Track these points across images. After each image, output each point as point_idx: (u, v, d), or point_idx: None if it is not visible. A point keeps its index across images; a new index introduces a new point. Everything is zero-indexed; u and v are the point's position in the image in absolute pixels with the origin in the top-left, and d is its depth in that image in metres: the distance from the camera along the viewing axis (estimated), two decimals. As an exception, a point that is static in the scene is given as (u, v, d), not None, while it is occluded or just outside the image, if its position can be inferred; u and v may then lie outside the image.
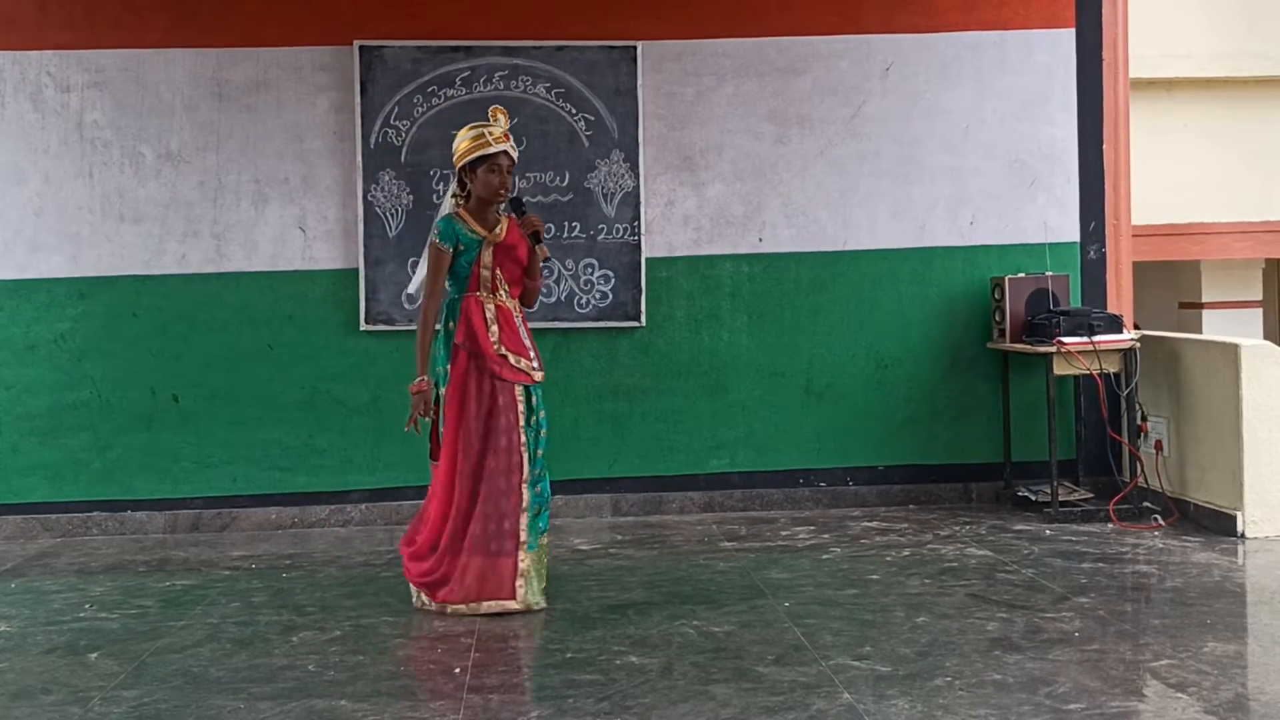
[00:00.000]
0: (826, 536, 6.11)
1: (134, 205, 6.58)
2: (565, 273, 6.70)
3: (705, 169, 6.81)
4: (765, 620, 4.64)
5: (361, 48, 6.61)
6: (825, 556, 5.69)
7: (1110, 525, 6.17)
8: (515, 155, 4.99)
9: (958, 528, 6.23)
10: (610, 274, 6.71)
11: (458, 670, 4.12)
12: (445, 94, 6.65)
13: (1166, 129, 11.04)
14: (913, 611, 4.69)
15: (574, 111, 6.68)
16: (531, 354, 4.94)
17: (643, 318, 6.74)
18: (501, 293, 4.94)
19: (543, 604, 4.83)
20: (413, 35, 6.65)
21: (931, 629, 4.46)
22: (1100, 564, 5.42)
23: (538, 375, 4.94)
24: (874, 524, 6.38)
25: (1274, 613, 4.84)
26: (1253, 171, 11.33)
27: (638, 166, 6.71)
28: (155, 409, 6.59)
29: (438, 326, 4.95)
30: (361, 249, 6.60)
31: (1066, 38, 6.92)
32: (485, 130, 4.92)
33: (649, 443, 6.79)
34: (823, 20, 6.84)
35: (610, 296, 6.71)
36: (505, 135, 4.94)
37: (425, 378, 4.90)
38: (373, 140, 6.61)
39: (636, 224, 6.72)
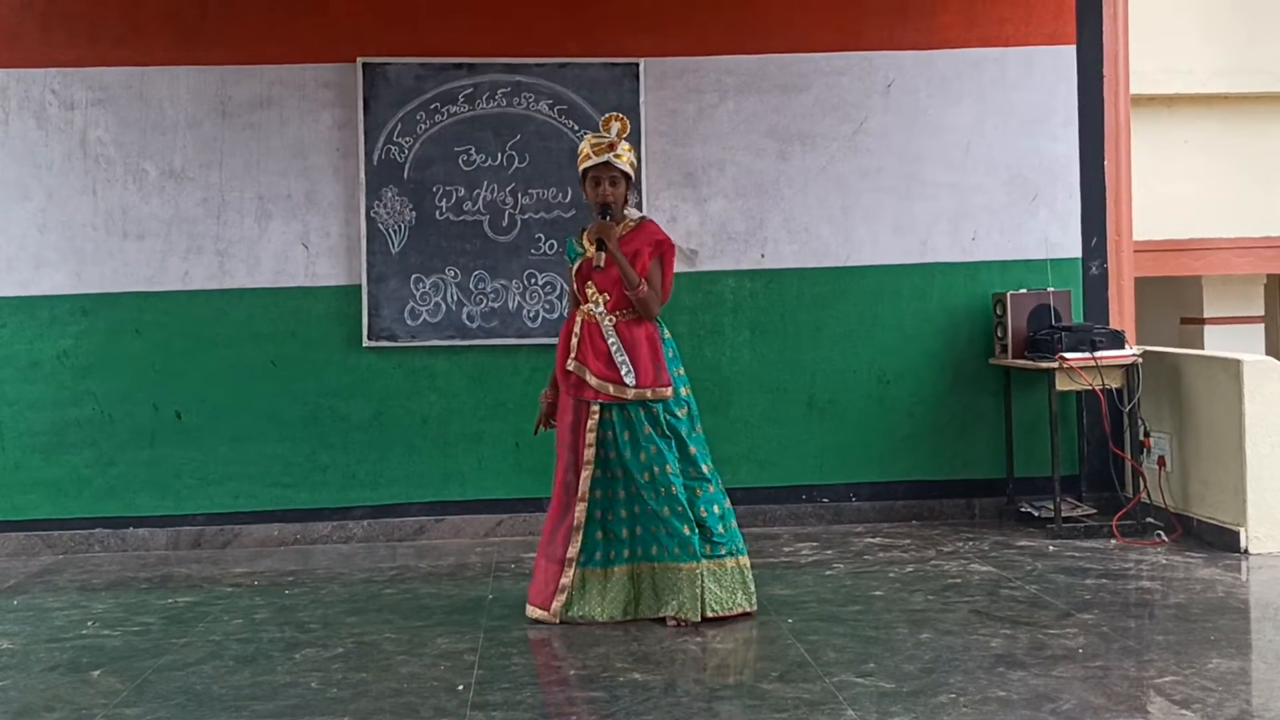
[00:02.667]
0: (830, 552, 6.11)
1: (137, 222, 6.59)
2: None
3: (707, 185, 6.82)
4: (769, 637, 4.63)
5: (365, 65, 6.63)
6: (828, 572, 5.69)
7: (1113, 541, 6.17)
8: (623, 164, 4.88)
9: (961, 543, 6.22)
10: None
11: (461, 687, 4.12)
12: (448, 111, 6.67)
13: (1167, 145, 11.04)
14: (916, 628, 4.69)
15: (576, 128, 6.70)
16: (622, 370, 4.78)
17: (645, 334, 6.73)
18: (593, 306, 4.88)
19: (582, 618, 4.84)
20: (415, 52, 6.67)
21: (935, 645, 4.46)
22: (1104, 580, 5.42)
23: (614, 391, 4.78)
24: (877, 540, 6.37)
25: (1278, 629, 4.83)
26: (1254, 187, 11.33)
27: (640, 183, 6.70)
28: (158, 425, 6.59)
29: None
30: (364, 265, 6.61)
31: (1067, 54, 6.94)
32: (593, 141, 4.91)
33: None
34: (824, 37, 6.86)
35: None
36: (611, 145, 4.87)
37: (548, 389, 5.08)
38: (376, 157, 6.63)
39: (639, 240, 6.72)
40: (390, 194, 6.64)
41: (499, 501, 6.71)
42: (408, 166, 6.65)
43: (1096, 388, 6.34)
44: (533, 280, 6.69)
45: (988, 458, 6.91)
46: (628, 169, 4.92)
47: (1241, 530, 5.86)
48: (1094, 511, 6.55)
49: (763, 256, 6.83)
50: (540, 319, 6.67)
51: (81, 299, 6.57)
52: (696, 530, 4.81)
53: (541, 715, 3.85)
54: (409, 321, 6.63)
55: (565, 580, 4.84)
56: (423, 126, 6.66)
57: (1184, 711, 3.73)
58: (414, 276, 6.63)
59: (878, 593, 5.28)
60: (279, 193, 6.65)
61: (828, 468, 6.86)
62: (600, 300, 4.88)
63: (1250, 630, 4.77)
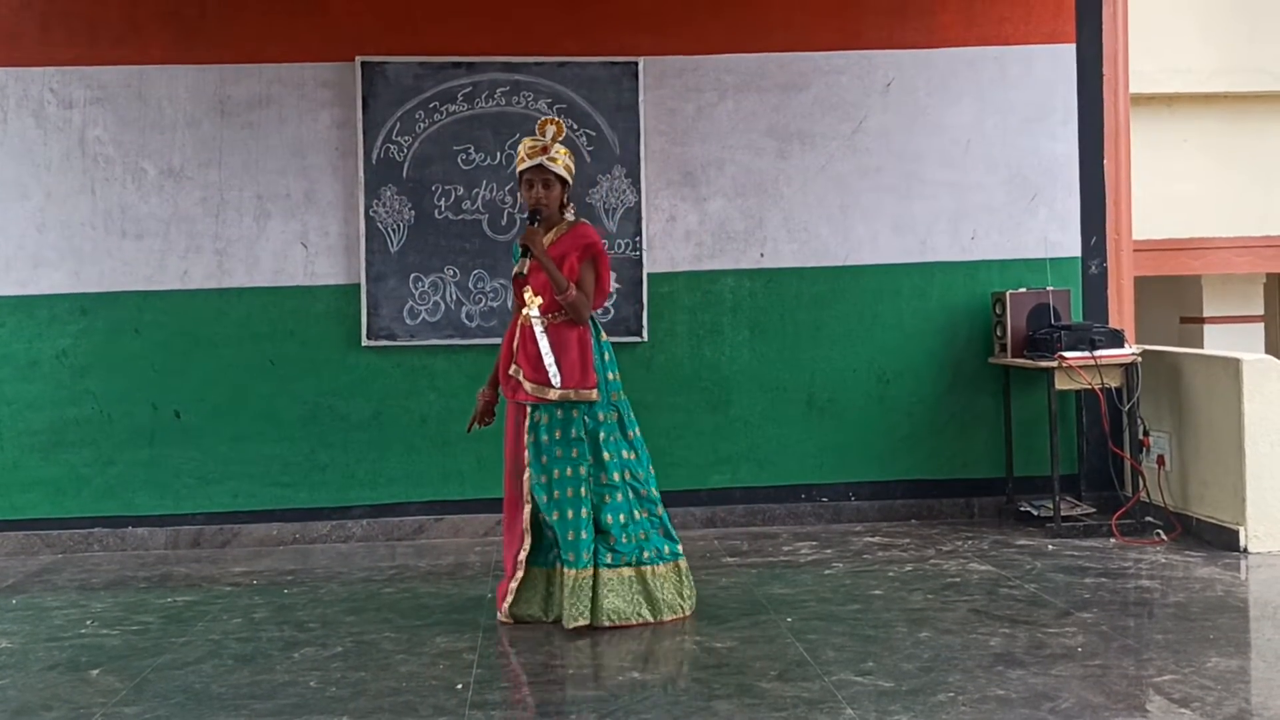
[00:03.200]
0: (829, 551, 6.11)
1: (136, 221, 6.59)
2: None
3: (707, 184, 6.82)
4: (767, 636, 4.63)
5: (363, 64, 6.62)
6: (827, 572, 5.69)
7: (1112, 540, 6.16)
8: (556, 166, 4.89)
9: (960, 543, 6.22)
10: (612, 289, 6.71)
11: (460, 686, 4.11)
12: (447, 110, 6.67)
13: (1167, 144, 11.05)
14: (915, 627, 4.69)
15: (575, 127, 6.70)
16: (548, 373, 4.78)
17: (644, 333, 6.74)
18: (529, 309, 4.90)
19: (527, 616, 4.88)
20: (414, 51, 6.66)
21: (934, 644, 4.46)
22: (1103, 579, 5.42)
23: (539, 392, 4.79)
24: (876, 539, 6.37)
25: (1277, 628, 4.83)
26: (1254, 186, 11.33)
27: (639, 182, 6.72)
28: (157, 425, 6.59)
29: None
30: (363, 264, 6.61)
31: (1067, 53, 6.94)
32: (528, 144, 4.93)
33: (651, 457, 6.75)
34: (824, 36, 6.86)
35: (612, 311, 6.71)
36: (545, 148, 4.90)
37: (486, 388, 5.12)
38: (374, 156, 6.63)
39: (638, 239, 6.73)
40: (389, 193, 6.64)
41: (498, 501, 6.59)
42: (407, 165, 6.64)
43: (1096, 387, 6.34)
44: (532, 279, 6.68)
45: (987, 457, 6.91)
46: (562, 172, 4.93)
47: (1241, 529, 5.87)
48: (1093, 510, 6.56)
49: (762, 256, 6.83)
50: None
51: (80, 298, 6.57)
52: (591, 537, 4.77)
53: (540, 714, 3.85)
54: (408, 321, 6.63)
55: (514, 583, 4.87)
56: (422, 125, 6.65)
57: (1183, 710, 3.73)
58: (413, 276, 6.63)
59: (877, 592, 5.27)
60: (278, 192, 6.64)
61: (827, 467, 6.86)
62: (534, 304, 4.89)
63: (1249, 629, 4.77)
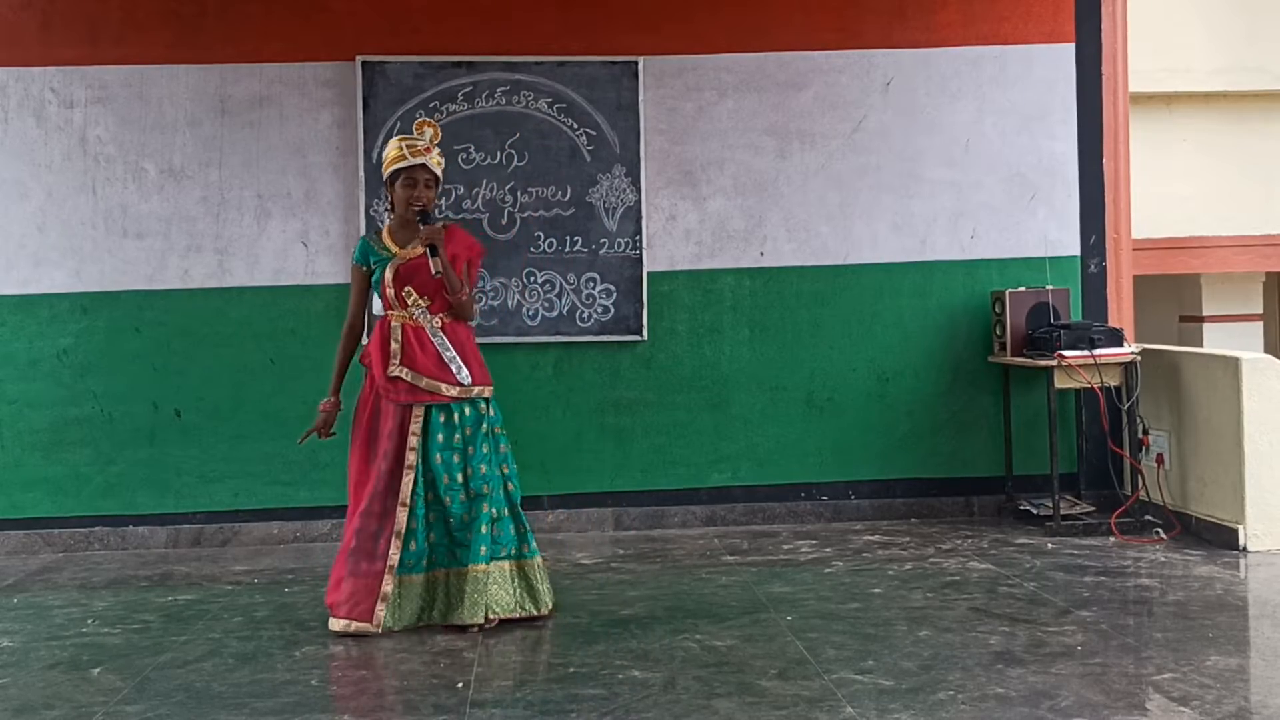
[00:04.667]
0: (828, 550, 6.11)
1: (137, 220, 6.59)
2: (567, 287, 6.71)
3: (706, 183, 6.83)
4: (768, 634, 4.64)
5: (364, 63, 6.63)
6: (827, 570, 5.69)
7: (1112, 539, 6.17)
8: (438, 169, 4.90)
9: (959, 541, 6.23)
10: (612, 288, 6.72)
11: (460, 685, 4.12)
12: (447, 109, 6.67)
13: (1166, 143, 11.07)
14: (915, 625, 4.70)
15: (575, 126, 6.70)
16: (453, 370, 4.79)
17: (644, 332, 6.75)
18: (415, 310, 4.86)
19: (395, 627, 4.74)
20: (415, 51, 6.67)
21: (934, 643, 4.46)
22: (1102, 577, 5.42)
23: (449, 391, 4.77)
24: (876, 537, 6.38)
25: (1276, 626, 4.84)
26: (1252, 185, 11.35)
27: (639, 181, 6.72)
28: (157, 424, 6.59)
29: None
30: (364, 264, 6.61)
31: (1066, 52, 6.95)
32: (408, 143, 4.87)
33: (651, 456, 6.80)
34: (823, 35, 6.86)
35: (612, 310, 6.72)
36: (428, 148, 4.87)
37: (331, 398, 5.00)
38: (375, 155, 6.62)
39: (638, 238, 6.73)
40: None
41: None
42: (407, 165, 6.64)
43: (1095, 386, 6.35)
44: (532, 278, 6.69)
45: (986, 455, 6.91)
46: (439, 173, 4.94)
47: (1240, 528, 5.87)
48: (1093, 509, 6.56)
49: (762, 255, 6.84)
50: (539, 317, 6.67)
51: (81, 297, 6.57)
52: (488, 530, 4.79)
53: (541, 712, 3.86)
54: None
55: (387, 589, 4.74)
56: (422, 125, 6.66)
57: (1182, 708, 3.74)
58: (413, 275, 6.63)
59: (877, 590, 5.28)
60: (278, 191, 6.65)
61: (827, 466, 6.87)
62: (423, 304, 4.86)
63: (1248, 627, 4.77)
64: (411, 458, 4.77)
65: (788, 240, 6.86)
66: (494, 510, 4.81)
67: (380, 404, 4.86)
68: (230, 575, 5.88)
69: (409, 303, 4.86)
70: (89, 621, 5.05)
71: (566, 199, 6.71)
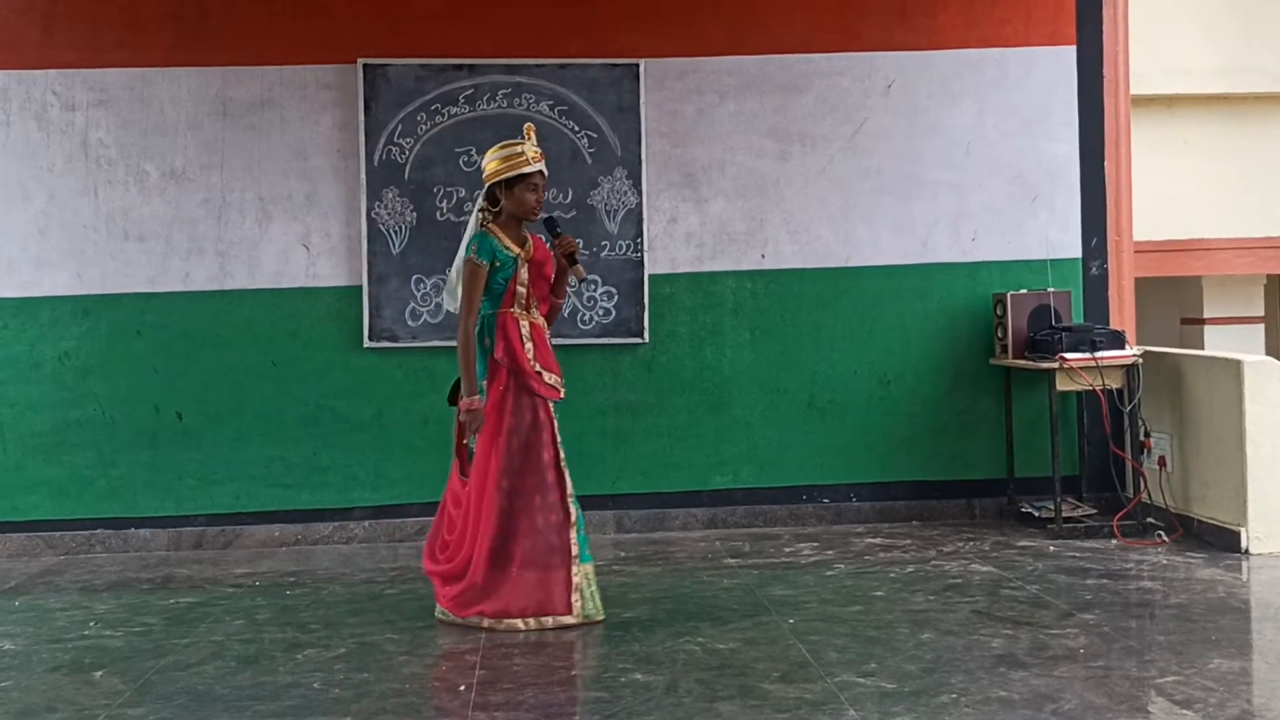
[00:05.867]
0: (830, 553, 6.11)
1: (138, 223, 6.60)
2: (568, 289, 6.70)
3: (708, 186, 6.83)
4: (770, 637, 4.63)
5: (365, 66, 6.63)
6: (829, 573, 5.69)
7: (1114, 541, 6.17)
8: (547, 173, 5.02)
9: (961, 544, 6.23)
10: (613, 290, 6.72)
11: (463, 688, 4.12)
12: (449, 112, 6.68)
13: (1167, 145, 11.06)
14: (917, 628, 4.69)
15: (577, 129, 6.71)
16: (560, 371, 4.99)
17: (646, 334, 6.75)
18: (534, 309, 4.97)
19: (601, 615, 4.88)
20: (416, 53, 6.67)
21: (936, 646, 4.46)
22: (1104, 580, 5.42)
23: (564, 392, 4.97)
24: (877, 540, 6.38)
25: (1279, 629, 4.84)
26: (1254, 187, 11.34)
27: (640, 183, 6.72)
28: (159, 426, 6.59)
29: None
30: (365, 266, 6.62)
31: (1067, 55, 6.95)
32: (522, 148, 4.92)
33: (652, 459, 6.79)
34: (824, 38, 6.87)
35: (613, 313, 6.72)
36: (539, 154, 4.94)
37: (476, 396, 4.85)
38: (376, 158, 6.63)
39: (639, 241, 6.73)
40: (391, 195, 6.64)
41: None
42: (408, 167, 6.65)
43: (1097, 388, 6.35)
44: (533, 281, 6.68)
45: (988, 458, 6.91)
46: (547, 178, 5.04)
47: (1242, 530, 5.87)
48: (1095, 512, 6.56)
49: (763, 257, 6.84)
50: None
51: (83, 300, 6.57)
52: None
53: (543, 715, 3.86)
54: (410, 322, 6.64)
55: (577, 579, 4.83)
56: (423, 127, 6.66)
57: (1185, 711, 3.74)
58: (415, 277, 6.64)
59: (879, 593, 5.28)
60: (280, 194, 6.65)
61: (828, 468, 6.87)
62: (535, 304, 4.98)
63: (1251, 630, 4.77)
64: (561, 452, 4.89)
65: (789, 242, 6.86)
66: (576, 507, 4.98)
67: (525, 399, 4.87)
68: (232, 578, 5.88)
69: (532, 302, 4.96)
70: (91, 624, 5.05)
71: (568, 201, 6.71)
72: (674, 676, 4.18)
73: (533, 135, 5.01)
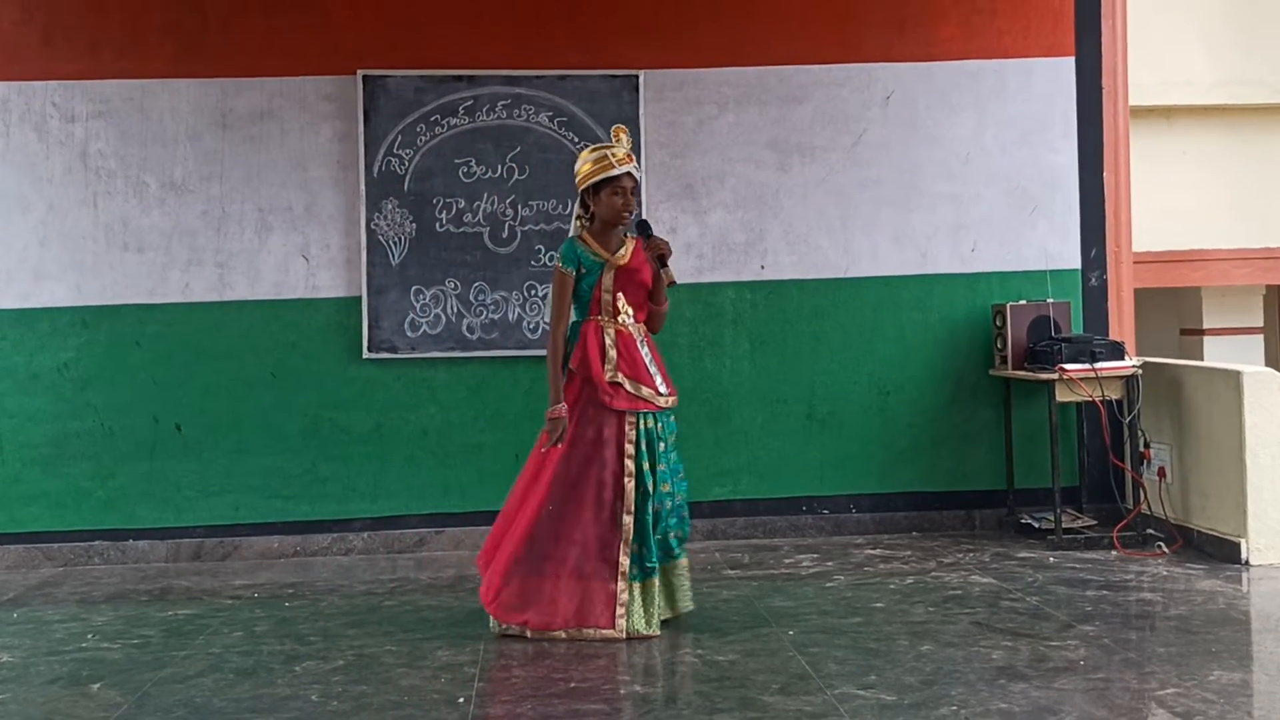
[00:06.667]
0: (830, 564, 6.10)
1: (138, 234, 6.60)
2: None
3: (707, 197, 6.83)
4: (769, 649, 4.62)
5: (365, 77, 6.64)
6: (829, 584, 5.68)
7: (1114, 552, 6.16)
8: (639, 176, 4.99)
9: (961, 555, 6.22)
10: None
11: (461, 700, 4.11)
12: (448, 123, 6.68)
13: (1166, 156, 11.06)
14: (917, 640, 4.68)
15: (576, 140, 6.71)
16: (659, 380, 4.88)
17: (645, 345, 6.74)
18: (624, 316, 4.90)
19: (649, 631, 4.81)
20: (415, 65, 6.68)
21: (936, 657, 4.45)
22: (1104, 591, 5.41)
23: (663, 401, 4.86)
24: (877, 551, 6.37)
25: (1279, 640, 4.82)
26: (1253, 198, 11.34)
27: (640, 194, 6.71)
28: (158, 438, 6.59)
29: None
30: (364, 277, 6.62)
31: (1066, 66, 6.96)
32: (609, 151, 4.88)
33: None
34: (823, 49, 6.87)
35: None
36: (629, 156, 4.89)
37: (561, 404, 4.84)
38: (376, 169, 6.64)
39: (639, 252, 6.72)
40: (390, 206, 6.65)
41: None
42: (408, 178, 6.66)
43: (1096, 399, 6.34)
44: (533, 292, 6.69)
45: (988, 469, 6.91)
46: (639, 178, 5.01)
47: (1242, 541, 5.86)
48: (1094, 523, 6.55)
49: (762, 268, 6.84)
50: (540, 330, 6.67)
51: (82, 311, 6.57)
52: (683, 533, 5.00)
53: (542, 728, 3.85)
54: (409, 333, 6.64)
55: (624, 595, 4.78)
56: (423, 138, 6.67)
57: (1186, 723, 3.73)
58: (414, 288, 6.64)
59: (878, 604, 5.27)
60: (279, 205, 6.65)
61: (828, 479, 6.86)
62: (628, 313, 4.91)
63: (1251, 642, 4.76)
64: (631, 465, 4.81)
65: (788, 253, 6.86)
66: (683, 512, 4.97)
67: (591, 410, 4.84)
68: (230, 589, 5.87)
69: (620, 309, 4.89)
70: (89, 636, 5.04)
71: (567, 212, 6.70)
72: (673, 689, 4.18)
73: (623, 137, 4.95)
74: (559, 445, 4.82)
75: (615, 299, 4.89)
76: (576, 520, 4.80)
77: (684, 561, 4.98)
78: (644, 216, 4.93)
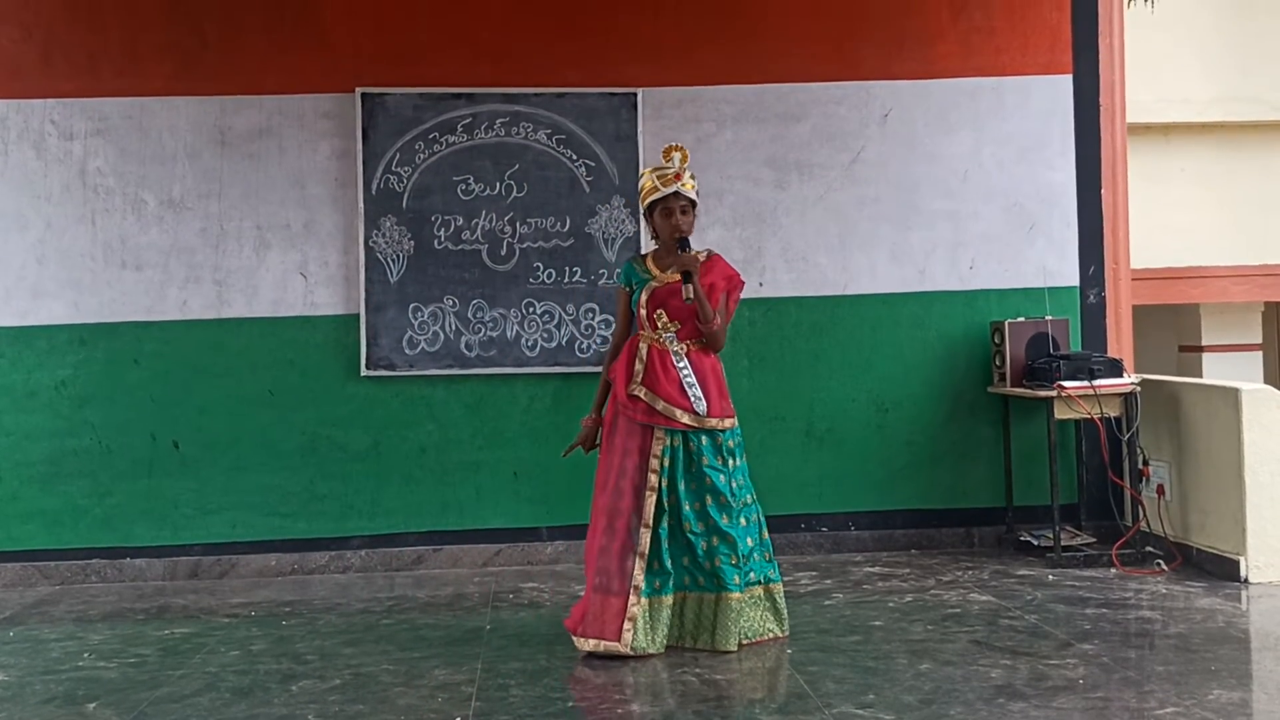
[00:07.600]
0: (828, 582, 6.09)
1: (136, 252, 6.60)
2: (566, 318, 6.71)
3: (705, 214, 6.81)
4: (768, 667, 4.61)
5: (363, 95, 6.65)
6: (827, 602, 5.67)
7: (1113, 570, 6.15)
8: (693, 193, 5.00)
9: (960, 573, 6.20)
10: (611, 319, 6.71)
11: (458, 719, 4.09)
12: (447, 140, 6.69)
13: (1164, 173, 11.09)
14: (916, 658, 4.67)
15: (575, 157, 6.72)
16: (695, 399, 4.84)
17: (643, 363, 6.73)
18: (664, 334, 4.92)
19: (653, 649, 4.75)
20: (414, 82, 6.69)
21: (935, 676, 4.44)
22: (1103, 609, 5.40)
23: (683, 419, 4.82)
24: (876, 569, 6.35)
25: (1278, 659, 4.81)
26: (1251, 215, 11.36)
27: (638, 212, 6.72)
28: (155, 455, 6.58)
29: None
30: (363, 295, 6.62)
31: (1064, 84, 6.97)
32: (655, 174, 4.97)
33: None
34: (821, 67, 6.88)
35: (611, 341, 6.69)
36: (677, 175, 4.95)
37: (593, 415, 5.03)
38: (374, 186, 6.64)
39: (637, 269, 6.72)
40: (389, 223, 6.65)
41: (497, 531, 6.70)
42: (406, 196, 6.66)
43: (1095, 416, 6.34)
44: (531, 309, 6.69)
45: (987, 486, 6.89)
46: (695, 197, 5.02)
47: (1241, 559, 5.85)
48: (1093, 540, 6.54)
49: (760, 285, 6.84)
50: (538, 348, 6.67)
51: (79, 329, 6.57)
52: (736, 560, 4.82)
53: (539, 747, 3.83)
54: (407, 351, 6.63)
55: (634, 609, 4.76)
56: (421, 156, 6.67)
57: (1185, 743, 3.72)
58: (412, 306, 6.64)
59: (877, 623, 5.26)
60: (277, 222, 6.66)
61: (826, 497, 6.85)
62: (672, 329, 4.92)
63: (1251, 660, 4.75)
64: (654, 480, 4.83)
65: (786, 271, 6.86)
66: (738, 539, 4.84)
67: (622, 422, 4.91)
68: (227, 608, 5.85)
69: (659, 325, 4.93)
70: (85, 655, 5.02)
71: (565, 230, 6.72)
72: (671, 708, 4.16)
73: (674, 155, 5.00)
74: (584, 452, 5.09)
75: (652, 315, 4.93)
76: (609, 530, 4.86)
77: (736, 596, 4.80)
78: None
